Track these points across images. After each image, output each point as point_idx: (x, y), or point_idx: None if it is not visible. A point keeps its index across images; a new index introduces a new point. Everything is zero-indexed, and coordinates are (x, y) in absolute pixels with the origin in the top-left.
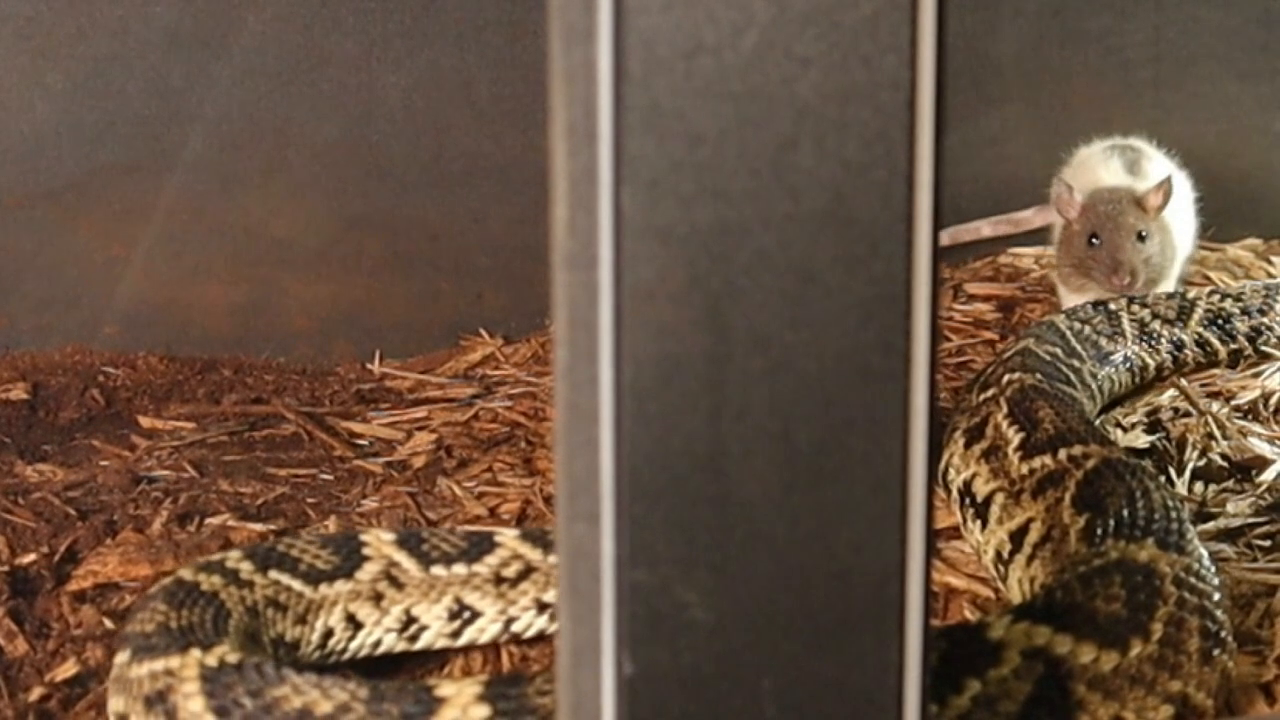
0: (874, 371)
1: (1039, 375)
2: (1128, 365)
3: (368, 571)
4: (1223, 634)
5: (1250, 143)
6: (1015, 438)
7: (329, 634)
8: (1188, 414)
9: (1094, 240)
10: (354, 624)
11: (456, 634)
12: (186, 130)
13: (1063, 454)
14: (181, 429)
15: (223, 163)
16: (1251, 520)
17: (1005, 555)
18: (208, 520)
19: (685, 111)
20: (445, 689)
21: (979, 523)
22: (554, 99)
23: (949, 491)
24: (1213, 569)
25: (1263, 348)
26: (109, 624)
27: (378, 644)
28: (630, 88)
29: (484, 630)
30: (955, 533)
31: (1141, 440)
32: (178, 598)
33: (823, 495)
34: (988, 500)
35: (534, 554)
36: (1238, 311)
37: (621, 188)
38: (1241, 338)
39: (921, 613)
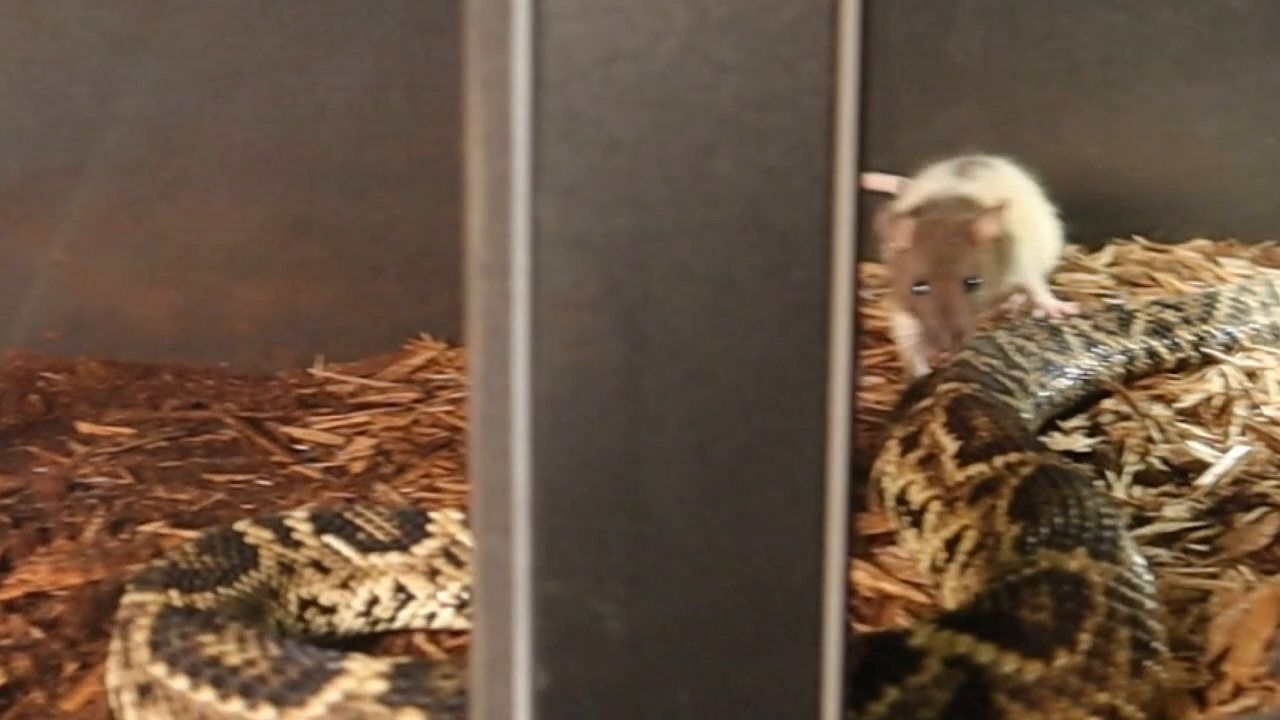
0: (792, 381)
1: (977, 385)
2: (1077, 378)
3: (426, 547)
4: (1154, 645)
5: (1200, 144)
6: (952, 445)
7: (374, 601)
8: (1128, 417)
9: (920, 288)
10: (404, 595)
11: None
12: (128, 134)
13: (999, 461)
14: (120, 435)
15: (164, 167)
16: (1188, 524)
17: (940, 564)
18: (141, 528)
19: (603, 118)
20: (354, 662)
21: (914, 530)
22: (469, 106)
23: (883, 500)
24: (1148, 578)
25: (1205, 350)
26: (37, 633)
27: (432, 616)
28: (547, 95)
29: None
30: (890, 539)
31: (1081, 444)
32: (212, 544)
33: (740, 506)
34: (923, 508)
35: None
36: (1179, 321)
37: (537, 195)
38: (1186, 345)
39: (840, 623)
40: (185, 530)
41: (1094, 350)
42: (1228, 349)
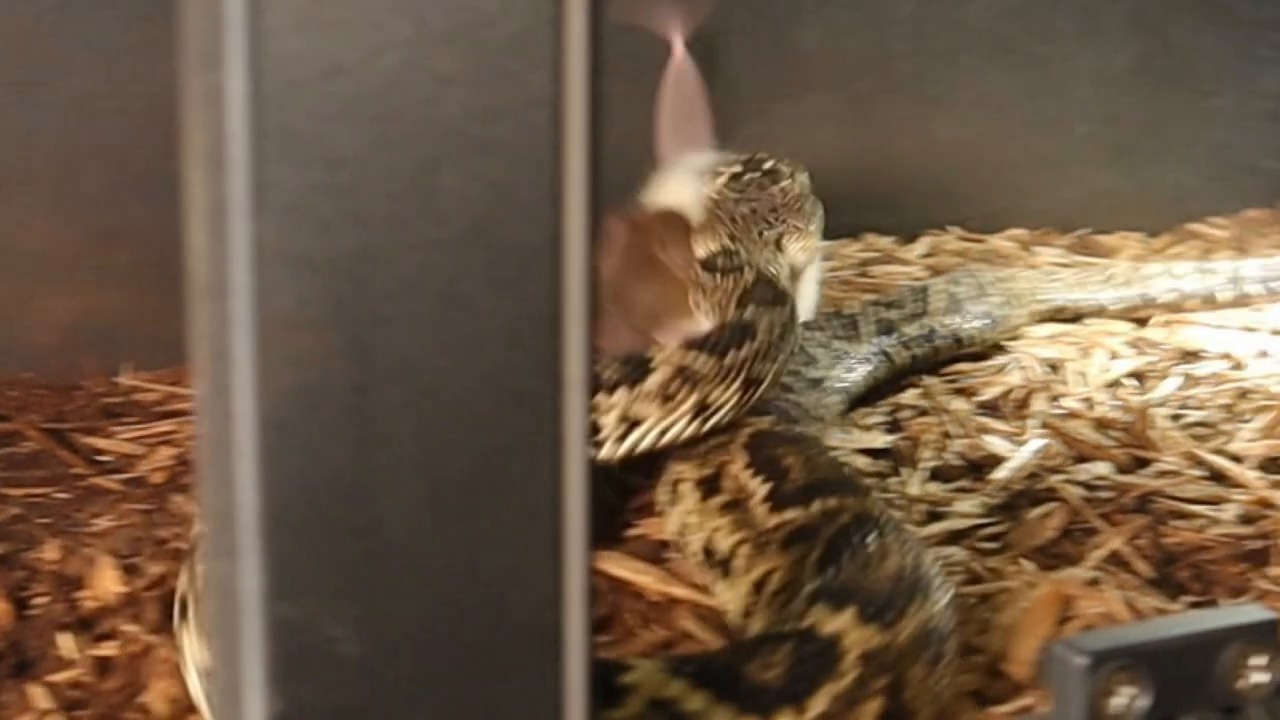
0: (525, 396)
1: (771, 417)
2: (837, 389)
3: None
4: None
5: (1014, 133)
6: (761, 489)
7: None
8: (926, 413)
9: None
10: None
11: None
12: None
13: (816, 507)
14: None
15: None
16: (979, 521)
17: (750, 607)
18: None
19: (323, 135)
20: None
21: (724, 580)
22: (188, 124)
23: (685, 554)
24: (939, 641)
25: (938, 343)
26: None
27: None
28: (266, 112)
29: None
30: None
31: (879, 441)
32: None
33: (474, 524)
34: (731, 554)
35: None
36: (901, 317)
37: (258, 214)
38: (915, 342)
39: (583, 643)
40: None
41: (843, 362)
42: (958, 341)
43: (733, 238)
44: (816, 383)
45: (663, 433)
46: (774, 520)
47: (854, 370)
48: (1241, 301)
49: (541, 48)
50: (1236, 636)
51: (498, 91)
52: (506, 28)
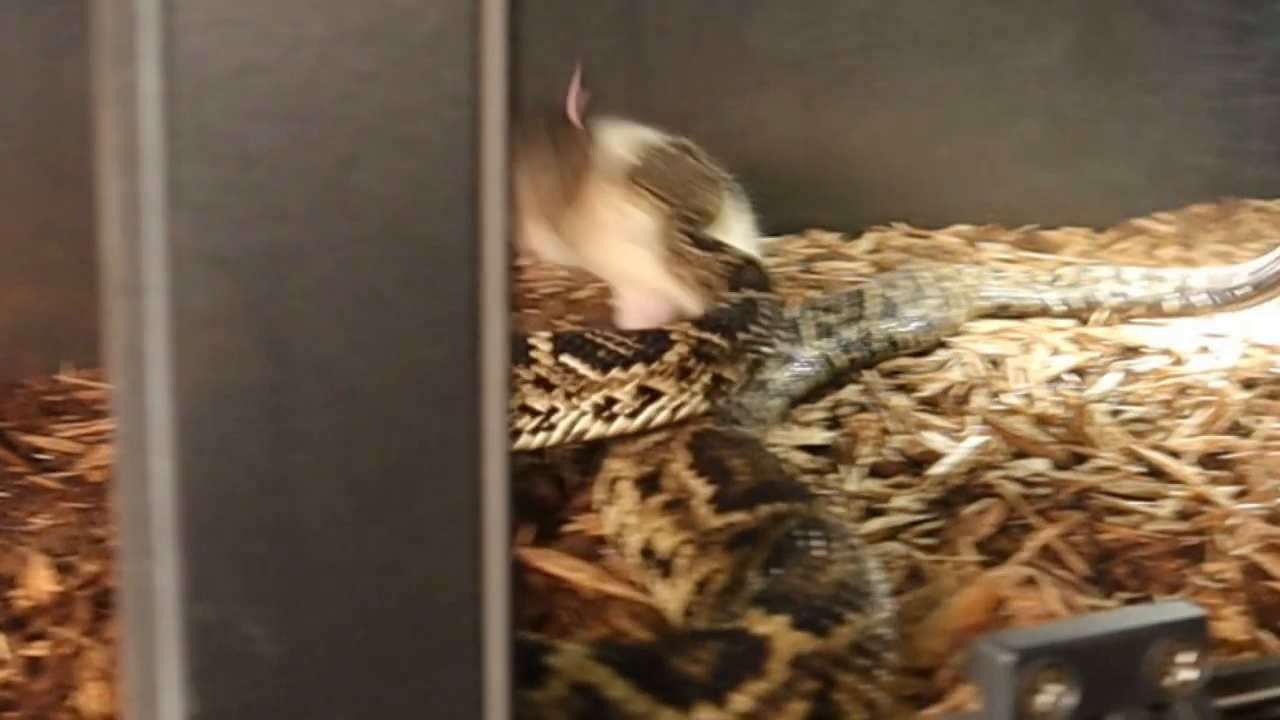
0: (444, 394)
1: (714, 417)
2: (779, 391)
3: None
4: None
5: (960, 129)
6: (705, 490)
7: None
8: (866, 409)
9: None
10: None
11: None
12: None
13: (764, 510)
14: None
15: None
16: (917, 517)
17: (693, 608)
18: None
19: (238, 132)
20: None
21: (665, 581)
22: (102, 122)
23: (623, 553)
24: (877, 651)
25: (875, 346)
26: None
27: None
28: (179, 109)
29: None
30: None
31: (819, 437)
32: None
33: (393, 523)
34: (673, 555)
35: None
36: (838, 321)
37: (172, 212)
38: (854, 346)
39: (505, 642)
40: None
41: (787, 365)
42: (894, 345)
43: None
44: (760, 384)
45: (678, 408)
46: (719, 522)
47: (797, 373)
48: (1187, 311)
49: (459, 45)
50: (1164, 633)
51: (415, 89)
52: (424, 25)
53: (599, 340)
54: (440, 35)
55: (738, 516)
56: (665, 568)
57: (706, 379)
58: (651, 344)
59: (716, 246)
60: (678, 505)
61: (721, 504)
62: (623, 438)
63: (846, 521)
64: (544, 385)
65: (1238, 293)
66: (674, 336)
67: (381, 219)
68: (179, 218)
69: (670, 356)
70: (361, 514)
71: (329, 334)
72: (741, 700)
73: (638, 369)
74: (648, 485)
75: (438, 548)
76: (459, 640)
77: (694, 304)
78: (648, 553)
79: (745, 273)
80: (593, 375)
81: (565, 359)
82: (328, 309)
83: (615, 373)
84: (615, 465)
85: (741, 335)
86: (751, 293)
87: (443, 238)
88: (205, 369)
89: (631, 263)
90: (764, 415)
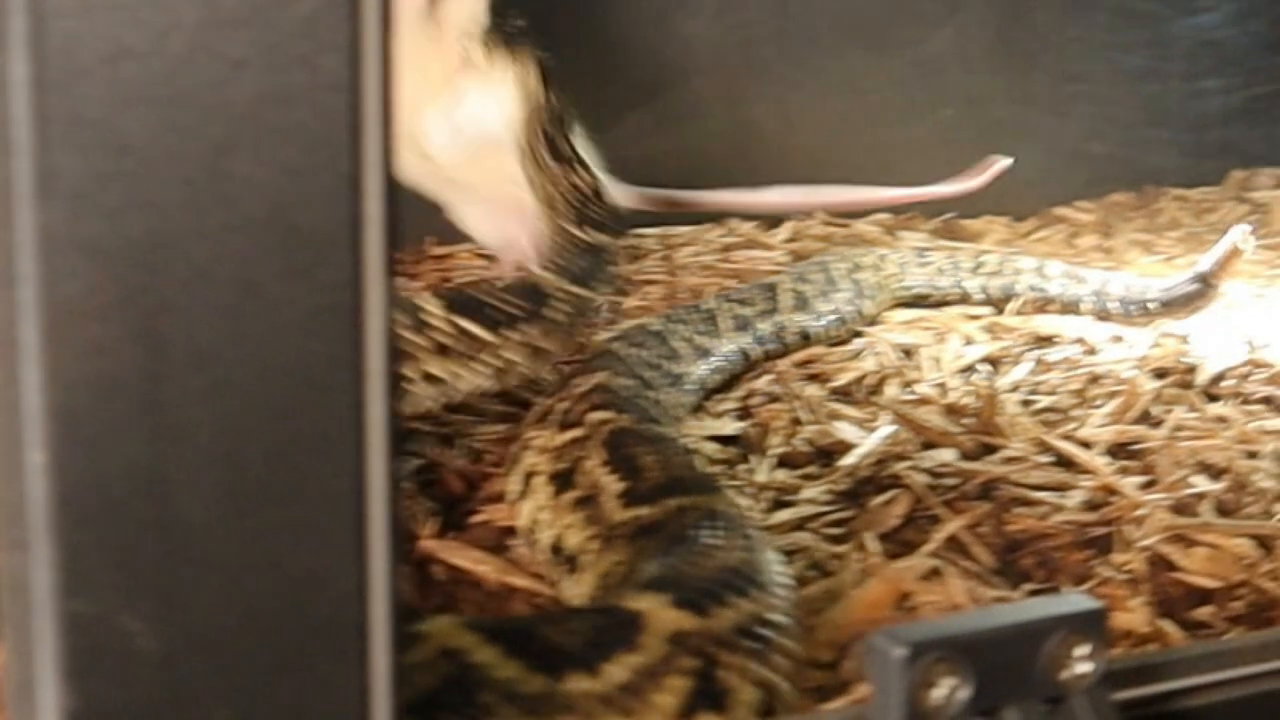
0: (324, 385)
1: (630, 414)
2: (694, 386)
3: None
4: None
5: (878, 116)
6: (616, 486)
7: None
8: (778, 399)
9: None
10: None
11: None
12: None
13: (671, 503)
14: None
15: None
16: (825, 508)
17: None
18: None
19: (110, 120)
20: None
21: (572, 576)
22: None
23: (534, 548)
24: (768, 635)
25: (788, 340)
26: None
27: None
28: (50, 96)
29: None
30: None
31: (730, 427)
32: None
33: (274, 516)
34: (580, 551)
35: None
36: (753, 314)
37: (43, 201)
38: (769, 338)
39: (389, 636)
40: None
41: (704, 358)
42: (807, 338)
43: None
44: (677, 379)
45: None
46: (624, 516)
47: (713, 366)
48: (1102, 315)
49: (336, 30)
50: (1061, 626)
51: (291, 75)
52: (299, 9)
53: (485, 299)
54: (316, 20)
55: (643, 511)
56: (572, 564)
57: (578, 330)
58: (532, 300)
59: (570, 161)
60: (589, 502)
61: (629, 499)
62: (540, 431)
63: (752, 512)
64: (442, 350)
65: (1150, 306)
66: (549, 291)
67: (259, 207)
68: (51, 207)
69: (552, 315)
70: (241, 507)
71: (206, 324)
72: (615, 671)
73: (529, 329)
74: (562, 481)
75: (320, 541)
76: (342, 637)
77: (539, 222)
78: (557, 549)
79: (591, 207)
80: (487, 336)
81: (458, 319)
82: (205, 299)
83: (506, 333)
84: (532, 460)
85: (593, 287)
86: (597, 235)
87: (322, 226)
88: (80, 360)
89: (486, 152)
90: (679, 411)
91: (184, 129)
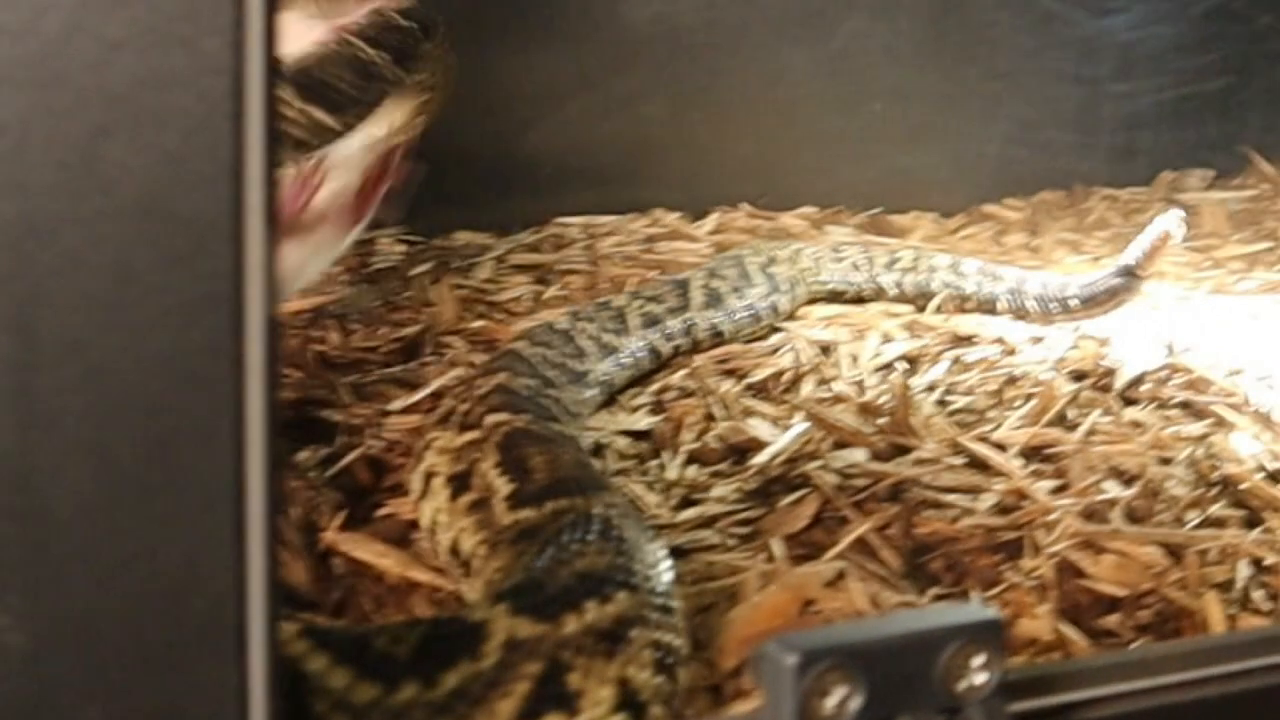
0: (202, 376)
1: (527, 415)
2: (598, 383)
3: None
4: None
5: (807, 109)
6: (505, 488)
7: None
8: (692, 394)
9: None
10: None
11: None
12: None
13: (549, 507)
14: None
15: None
16: (734, 507)
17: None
18: None
19: None
20: None
21: (468, 580)
22: None
23: (436, 549)
24: (626, 636)
25: (699, 336)
26: None
27: None
28: None
29: None
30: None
31: (643, 423)
32: None
33: (148, 509)
34: (472, 555)
35: None
36: (663, 311)
37: None
38: (679, 335)
39: (266, 634)
40: None
41: (610, 356)
42: (719, 335)
43: None
44: (579, 377)
45: None
46: (509, 520)
47: (619, 364)
48: (1019, 314)
49: (218, 13)
50: (958, 635)
51: (171, 58)
52: None
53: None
54: (198, 2)
55: (526, 514)
56: (467, 567)
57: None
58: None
59: None
60: (482, 505)
61: (516, 502)
62: (442, 431)
63: (661, 510)
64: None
65: (1070, 304)
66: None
67: (135, 193)
68: None
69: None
70: (114, 499)
71: (79, 312)
72: (451, 679)
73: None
74: (459, 484)
75: (196, 535)
76: (219, 633)
77: None
78: (455, 551)
79: None
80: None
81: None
82: (78, 286)
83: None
84: (432, 460)
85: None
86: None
87: (201, 214)
88: None
89: None
90: (580, 409)
91: (59, 111)
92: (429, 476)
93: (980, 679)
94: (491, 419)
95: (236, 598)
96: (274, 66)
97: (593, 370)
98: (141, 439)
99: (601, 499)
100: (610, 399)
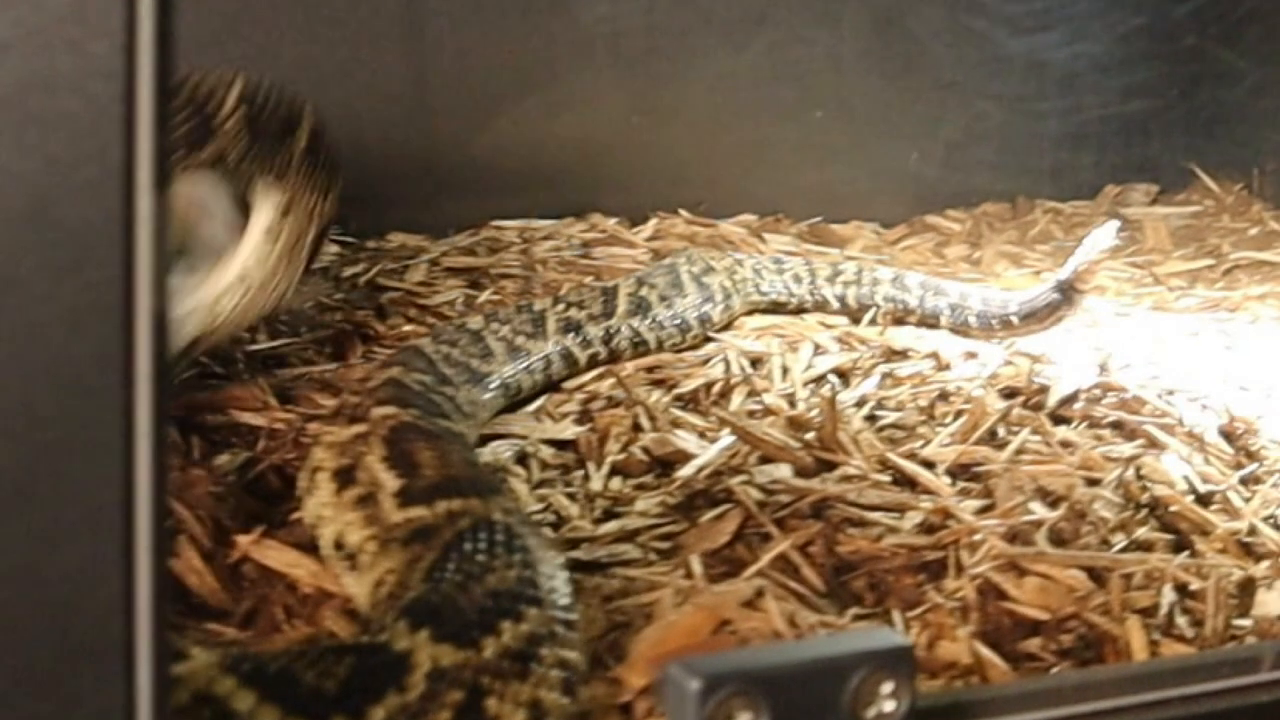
0: (89, 387)
1: (415, 410)
2: (499, 386)
3: None
4: None
5: (749, 117)
6: (393, 484)
7: None
8: (619, 404)
9: None
10: None
11: None
12: None
13: (441, 507)
14: None
15: None
16: (655, 521)
17: (374, 605)
18: None
19: None
20: None
21: (353, 573)
22: None
23: (318, 544)
24: (541, 657)
25: (620, 345)
26: None
27: None
28: None
29: None
30: None
31: (569, 431)
32: None
33: (32, 523)
34: (359, 549)
35: None
36: (586, 318)
37: None
38: (597, 343)
39: (154, 650)
40: None
41: (519, 359)
42: (640, 345)
43: None
44: (480, 377)
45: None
46: (400, 517)
47: (527, 368)
48: (961, 329)
49: (108, 15)
50: (867, 662)
51: (58, 61)
52: None
53: None
54: (86, 3)
55: (417, 512)
56: (352, 561)
57: None
58: None
59: None
60: (369, 499)
61: (405, 499)
62: (332, 426)
63: (583, 521)
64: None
65: (1012, 320)
66: None
67: (18, 198)
68: None
69: None
70: None
71: None
72: (379, 713)
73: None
74: (344, 477)
75: (82, 549)
76: (105, 650)
77: None
78: (339, 545)
79: None
80: None
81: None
82: None
83: None
84: (319, 455)
85: None
86: None
87: (88, 221)
88: None
89: None
90: (474, 410)
91: None
92: (314, 471)
93: (889, 706)
94: (379, 411)
95: (124, 613)
96: (167, 71)
97: (496, 372)
98: (24, 451)
99: (499, 504)
100: (517, 403)
